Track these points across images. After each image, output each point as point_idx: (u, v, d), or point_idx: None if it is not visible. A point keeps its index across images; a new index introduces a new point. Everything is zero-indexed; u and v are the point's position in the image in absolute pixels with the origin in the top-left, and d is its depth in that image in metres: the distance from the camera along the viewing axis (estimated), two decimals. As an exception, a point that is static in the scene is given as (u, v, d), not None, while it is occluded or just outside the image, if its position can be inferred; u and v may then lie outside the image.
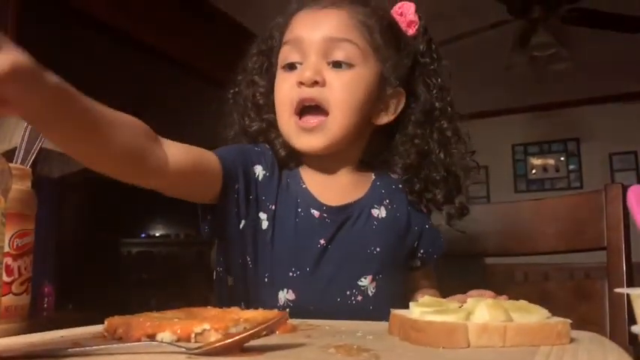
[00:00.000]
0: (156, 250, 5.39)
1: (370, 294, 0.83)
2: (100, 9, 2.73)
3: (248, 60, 0.96)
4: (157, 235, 5.76)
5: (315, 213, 0.85)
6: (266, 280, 0.83)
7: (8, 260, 0.67)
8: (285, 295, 0.82)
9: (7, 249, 0.66)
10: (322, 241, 0.84)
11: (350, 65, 0.83)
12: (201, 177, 0.76)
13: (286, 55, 0.87)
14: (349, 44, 0.83)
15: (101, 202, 5.18)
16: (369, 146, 0.92)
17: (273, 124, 0.90)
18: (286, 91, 0.85)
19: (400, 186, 0.92)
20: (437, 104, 0.91)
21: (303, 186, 0.87)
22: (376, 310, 0.81)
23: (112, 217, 5.33)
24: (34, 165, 0.76)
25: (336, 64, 0.83)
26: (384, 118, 0.89)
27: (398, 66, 0.88)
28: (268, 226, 0.83)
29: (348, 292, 0.83)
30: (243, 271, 0.84)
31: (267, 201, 0.84)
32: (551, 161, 5.04)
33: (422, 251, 0.92)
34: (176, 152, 0.69)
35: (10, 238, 0.67)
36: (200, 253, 4.70)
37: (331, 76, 0.83)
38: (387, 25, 0.88)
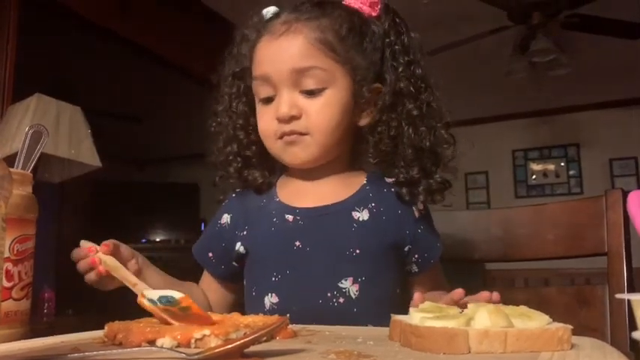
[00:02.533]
0: (156, 255, 5.37)
1: (353, 296, 0.83)
2: (99, 12, 2.73)
3: (223, 85, 0.97)
4: (158, 240, 5.76)
5: (289, 217, 0.88)
6: (253, 293, 0.89)
7: (8, 265, 0.67)
8: (270, 300, 0.86)
9: (7, 254, 0.66)
10: (297, 243, 0.86)
11: (321, 90, 0.85)
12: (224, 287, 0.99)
13: (258, 89, 0.89)
14: (316, 70, 0.84)
15: (102, 207, 5.19)
16: (356, 145, 0.92)
17: (249, 160, 0.94)
18: (267, 124, 0.88)
19: (393, 190, 0.90)
20: (402, 84, 0.88)
21: (277, 199, 0.92)
22: (362, 313, 0.81)
23: (113, 223, 5.33)
24: (34, 170, 0.76)
25: (308, 92, 0.85)
26: (367, 118, 0.89)
27: (368, 67, 0.87)
28: (245, 248, 0.91)
29: (329, 294, 0.83)
30: (245, 297, 0.93)
31: (238, 231, 0.93)
32: (551, 167, 5.04)
33: (416, 256, 0.89)
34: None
35: (11, 243, 0.67)
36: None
37: (306, 104, 0.85)
38: (347, 30, 0.86)
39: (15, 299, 0.67)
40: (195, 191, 5.76)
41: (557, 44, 3.29)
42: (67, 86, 3.39)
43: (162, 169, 6.14)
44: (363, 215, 0.87)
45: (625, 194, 0.98)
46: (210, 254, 0.96)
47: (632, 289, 0.94)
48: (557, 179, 5.01)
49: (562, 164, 5.01)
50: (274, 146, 0.88)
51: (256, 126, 0.91)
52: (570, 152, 4.99)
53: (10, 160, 0.73)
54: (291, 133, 0.85)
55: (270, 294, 0.86)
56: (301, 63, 0.84)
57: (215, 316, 0.66)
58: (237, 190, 0.97)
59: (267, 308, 0.85)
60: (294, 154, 0.87)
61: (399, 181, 0.89)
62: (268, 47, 0.87)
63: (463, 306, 0.64)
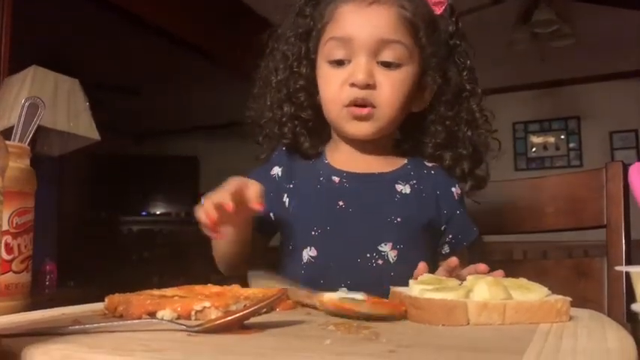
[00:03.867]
0: (157, 228, 5.41)
1: (392, 260, 0.85)
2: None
3: (283, 43, 0.96)
4: (158, 213, 5.78)
5: (335, 179, 0.90)
6: (290, 247, 0.89)
7: (8, 238, 0.67)
8: (308, 253, 0.86)
9: (6, 227, 0.66)
10: (341, 203, 0.87)
11: (398, 65, 0.86)
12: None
13: (333, 51, 0.88)
14: (398, 45, 0.86)
15: (102, 180, 5.19)
16: (401, 128, 0.95)
17: (307, 124, 0.94)
18: (336, 89, 0.88)
19: (433, 172, 0.93)
20: (467, 86, 0.93)
21: (326, 161, 0.93)
22: (398, 276, 0.80)
23: (113, 196, 5.34)
24: (33, 143, 0.76)
25: (385, 64, 0.86)
26: (421, 105, 0.93)
27: (437, 57, 0.91)
28: (290, 200, 0.91)
29: (368, 255, 0.85)
30: (279, 252, 0.92)
31: (287, 184, 0.92)
32: (551, 139, 5.02)
33: (450, 236, 0.91)
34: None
35: (10, 216, 0.67)
36: (201, 232, 4.71)
37: (381, 76, 0.86)
38: (430, 21, 0.90)
39: (15, 272, 0.67)
40: (195, 164, 5.75)
41: (559, 15, 3.25)
42: (65, 58, 3.36)
43: (161, 142, 6.12)
44: (405, 189, 0.90)
45: (625, 167, 0.98)
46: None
47: (630, 262, 0.95)
48: (557, 152, 4.99)
49: (562, 137, 4.99)
50: (339, 114, 0.88)
51: (317, 90, 0.91)
52: (571, 125, 4.96)
53: (8, 133, 0.72)
54: (363, 103, 0.86)
55: (309, 247, 0.86)
56: (389, 35, 0.85)
57: (215, 288, 0.66)
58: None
59: (305, 261, 0.86)
60: (358, 128, 0.88)
61: (445, 165, 0.94)
62: (356, 11, 0.87)
63: (461, 277, 0.65)
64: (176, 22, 3.09)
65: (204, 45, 3.26)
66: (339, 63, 0.88)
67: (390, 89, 0.86)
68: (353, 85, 0.85)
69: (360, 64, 0.86)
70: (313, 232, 0.87)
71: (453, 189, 0.93)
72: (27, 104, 0.76)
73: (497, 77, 4.75)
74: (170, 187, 5.82)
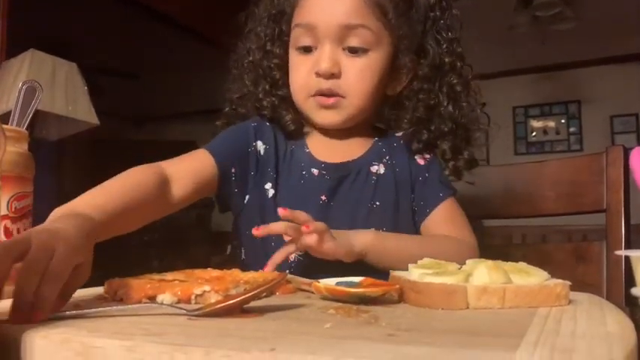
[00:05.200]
0: (156, 212, 5.40)
1: None
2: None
3: (257, 24, 0.95)
4: (157, 197, 5.77)
5: (315, 171, 0.88)
6: (273, 244, 0.83)
7: (7, 223, 0.67)
8: (295, 254, 0.82)
9: (5, 212, 0.66)
10: (323, 197, 0.86)
11: (364, 50, 0.84)
12: (203, 188, 0.84)
13: (299, 38, 0.87)
14: (364, 29, 0.83)
15: (101, 165, 5.18)
16: (379, 110, 0.93)
17: (285, 100, 0.91)
18: (303, 77, 0.86)
19: (402, 142, 0.92)
20: (446, 59, 0.90)
21: (307, 150, 0.91)
22: None
23: (112, 180, 5.33)
24: (31, 128, 0.76)
25: (351, 50, 0.84)
26: (397, 88, 0.91)
27: (411, 37, 0.88)
28: (273, 193, 0.87)
29: None
30: (252, 242, 0.85)
31: (271, 171, 0.88)
32: (551, 123, 5.01)
33: (414, 205, 0.90)
34: (180, 187, 0.80)
35: (9, 201, 0.67)
36: (201, 216, 4.72)
37: (347, 63, 0.84)
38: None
39: (15, 256, 0.67)
40: (194, 149, 5.73)
41: (561, -3, 3.22)
42: (63, 42, 3.33)
43: (159, 127, 6.10)
44: (380, 169, 0.90)
45: (626, 151, 0.98)
46: (233, 170, 0.87)
47: (629, 246, 0.95)
48: (557, 136, 4.98)
49: (562, 121, 4.97)
50: (305, 103, 0.88)
51: (287, 78, 0.90)
52: (571, 109, 4.94)
53: (5, 117, 0.72)
54: (329, 93, 0.84)
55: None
56: (352, 19, 0.83)
57: (215, 272, 0.66)
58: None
59: (293, 260, 0.83)
60: (325, 117, 0.87)
61: (420, 140, 0.91)
62: None
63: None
64: (176, 5, 3.07)
65: (204, 29, 3.24)
66: (307, 49, 0.86)
67: (356, 77, 0.84)
68: (318, 74, 0.84)
69: (324, 52, 0.84)
70: None
71: (416, 156, 0.91)
72: (24, 88, 0.75)
73: (498, 61, 4.72)
74: (170, 172, 5.81)
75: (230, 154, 0.86)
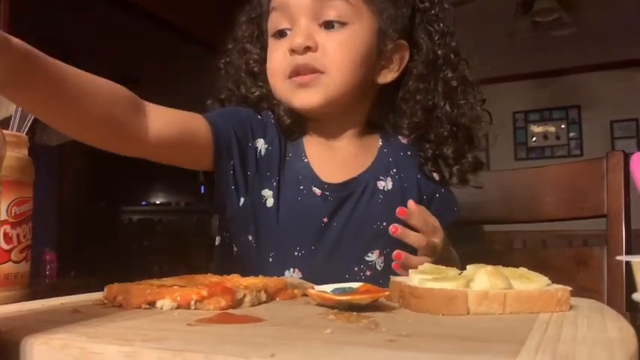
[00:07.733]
0: (156, 217, 5.41)
1: (379, 268, 0.81)
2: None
3: (238, 29, 0.92)
4: (158, 202, 5.78)
5: (317, 191, 0.82)
6: (271, 259, 0.80)
7: (7, 228, 0.66)
8: (291, 274, 0.80)
9: (4, 217, 0.66)
10: (325, 219, 0.81)
11: (343, 24, 0.79)
12: (187, 145, 0.75)
13: (275, 22, 0.83)
14: (340, 1, 0.79)
15: (101, 169, 5.18)
16: (375, 108, 0.88)
17: (269, 96, 0.87)
18: (279, 60, 0.81)
19: (409, 153, 0.88)
20: (439, 51, 0.85)
21: (305, 160, 0.84)
22: (386, 283, 0.80)
23: (113, 185, 5.33)
24: (31, 132, 0.75)
25: (328, 25, 0.79)
26: (388, 76, 0.85)
27: (396, 17, 0.83)
28: (274, 203, 0.81)
29: (356, 269, 0.81)
30: (246, 248, 0.82)
31: (271, 177, 0.81)
32: (552, 129, 5.01)
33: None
34: (159, 119, 0.69)
35: (9, 206, 0.67)
36: (201, 221, 4.72)
37: (323, 38, 0.79)
38: None
39: (14, 261, 0.67)
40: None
41: (560, 3, 3.23)
42: (63, 48, 3.34)
43: (160, 132, 6.11)
44: (387, 184, 0.85)
45: (626, 156, 0.98)
46: (232, 162, 0.79)
47: (630, 251, 0.95)
48: (558, 141, 4.98)
49: (562, 126, 4.98)
50: (282, 87, 0.81)
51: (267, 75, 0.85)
52: (571, 114, 4.95)
53: (5, 122, 0.72)
54: (305, 68, 0.79)
55: (291, 269, 0.80)
56: None
57: (214, 278, 0.66)
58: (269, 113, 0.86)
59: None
60: (305, 97, 0.80)
61: (427, 157, 0.86)
62: None
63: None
64: (176, 11, 3.07)
65: (205, 35, 3.24)
66: (282, 34, 0.82)
67: (334, 49, 0.78)
68: (293, 51, 0.79)
69: (298, 27, 0.79)
70: (296, 253, 0.80)
71: (426, 168, 0.87)
72: (25, 93, 0.75)
73: (498, 66, 4.72)
74: (170, 177, 5.81)
75: (230, 138, 0.78)
